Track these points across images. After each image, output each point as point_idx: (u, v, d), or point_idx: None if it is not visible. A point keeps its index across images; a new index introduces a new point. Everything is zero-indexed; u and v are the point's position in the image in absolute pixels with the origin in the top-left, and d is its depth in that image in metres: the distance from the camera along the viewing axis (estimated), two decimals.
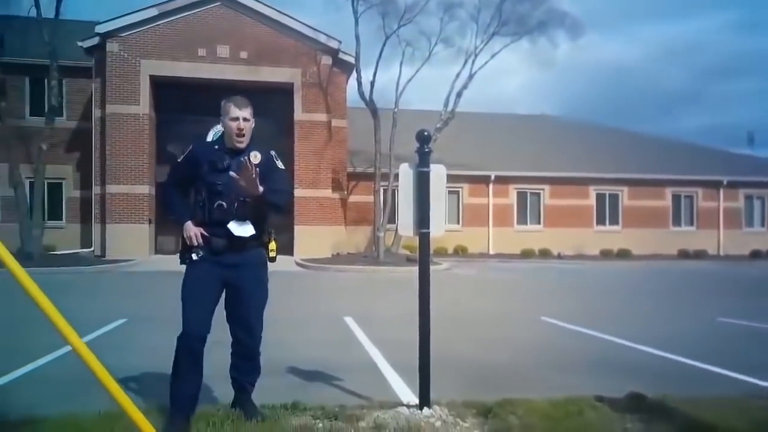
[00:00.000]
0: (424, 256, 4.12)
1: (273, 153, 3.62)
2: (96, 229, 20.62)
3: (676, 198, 27.25)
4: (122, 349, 6.12)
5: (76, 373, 4.80)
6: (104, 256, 19.56)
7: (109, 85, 19.99)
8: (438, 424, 3.74)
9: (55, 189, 21.89)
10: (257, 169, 3.31)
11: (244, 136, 3.45)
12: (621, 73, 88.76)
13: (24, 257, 15.78)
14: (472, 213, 25.27)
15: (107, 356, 2.08)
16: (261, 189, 3.27)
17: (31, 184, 18.48)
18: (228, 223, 3.37)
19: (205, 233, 3.37)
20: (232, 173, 3.22)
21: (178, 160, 3.56)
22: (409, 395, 4.52)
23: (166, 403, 3.83)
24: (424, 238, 4.07)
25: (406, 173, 4.10)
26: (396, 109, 20.53)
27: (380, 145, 20.06)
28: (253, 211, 3.41)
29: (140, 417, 2.13)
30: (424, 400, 3.97)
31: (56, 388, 4.78)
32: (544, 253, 24.28)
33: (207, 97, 21.89)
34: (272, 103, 19.64)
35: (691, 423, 3.83)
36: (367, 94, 20.27)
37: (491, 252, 24.94)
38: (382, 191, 20.43)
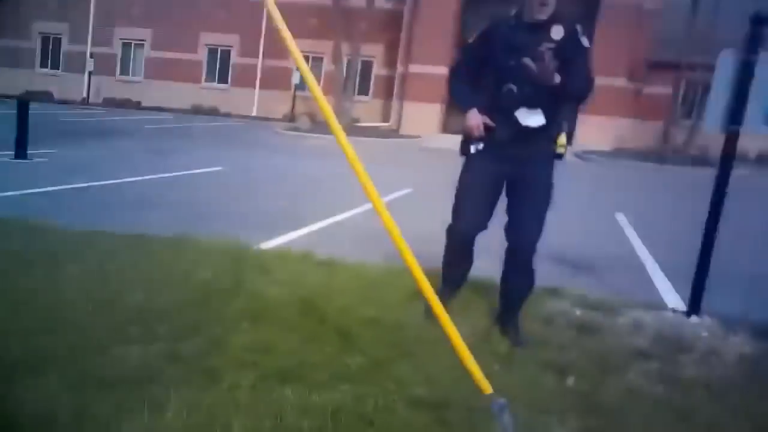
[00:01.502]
0: (728, 156, 3.76)
1: (579, 27, 2.99)
2: (395, 105, 22.37)
3: None
4: (408, 213, 6.85)
5: (370, 228, 5.60)
6: (399, 130, 21.24)
7: None
8: (704, 334, 3.56)
9: (366, 66, 23.93)
10: (556, 47, 2.85)
11: (546, 4, 2.85)
12: None
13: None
14: None
15: (395, 218, 2.40)
16: (558, 78, 2.82)
17: (349, 62, 20.44)
18: (516, 110, 2.96)
19: (489, 122, 3.00)
20: (525, 60, 2.78)
21: (470, 40, 3.18)
22: (677, 302, 4.31)
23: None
24: (732, 138, 3.68)
25: (727, 59, 3.68)
26: None
27: (694, 30, 17.68)
28: (547, 99, 2.94)
29: (419, 272, 2.40)
30: (694, 307, 3.77)
31: (352, 238, 5.63)
32: None
33: None
34: None
35: None
36: None
37: None
38: (684, 83, 18.28)
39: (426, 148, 17.82)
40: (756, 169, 17.96)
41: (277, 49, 22.98)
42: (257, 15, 23.35)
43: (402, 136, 20.00)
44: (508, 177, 3.06)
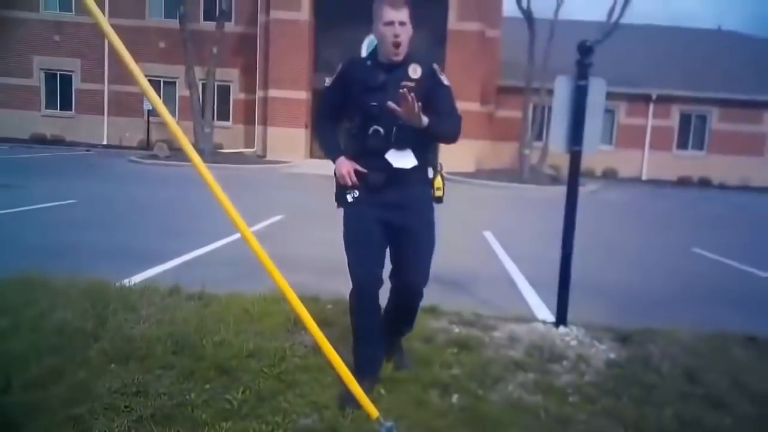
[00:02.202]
0: (574, 174, 4.03)
1: (436, 67, 2.93)
2: (258, 130, 22.09)
3: None
4: (281, 241, 6.72)
5: (240, 258, 5.40)
6: (265, 157, 20.95)
7: None
8: (573, 342, 3.78)
9: (224, 91, 23.38)
10: (417, 86, 2.75)
11: (401, 44, 2.78)
12: None
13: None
14: (627, 134, 23.65)
15: (267, 247, 2.33)
16: (425, 119, 2.65)
17: (203, 86, 19.89)
18: (386, 152, 2.82)
19: (359, 168, 2.84)
20: (389, 104, 2.61)
21: (327, 85, 3.04)
22: (545, 314, 4.57)
23: (320, 289, 4.22)
24: (576, 156, 3.97)
25: (562, 85, 3.97)
26: (555, 19, 19.35)
27: (535, 58, 19.16)
28: (416, 139, 2.80)
29: (296, 301, 2.37)
30: (561, 318, 4.01)
31: (225, 269, 5.40)
32: (704, 183, 22.47)
33: (364, 4, 22.20)
34: (425, 10, 19.29)
35: None
36: (525, 3, 19.26)
37: (644, 177, 23.47)
38: (531, 107, 19.70)
39: (294, 173, 17.71)
40: (603, 184, 19.75)
41: (124, 73, 21.92)
42: (99, 38, 22.05)
43: (269, 162, 19.73)
44: (389, 222, 2.88)
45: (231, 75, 23.32)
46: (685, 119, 24.01)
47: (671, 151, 23.92)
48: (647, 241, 9.27)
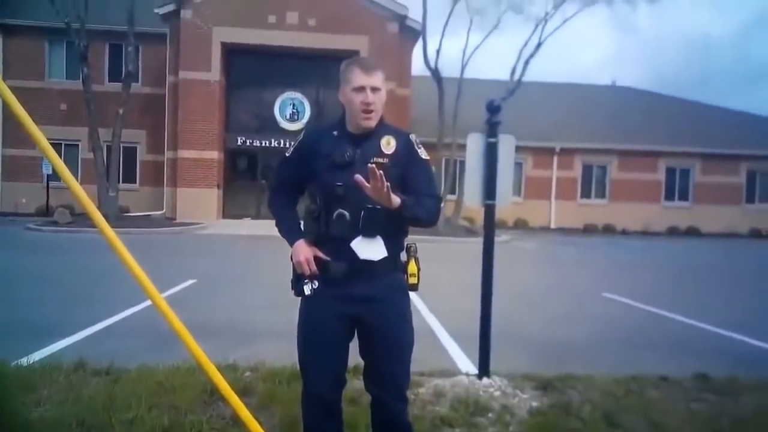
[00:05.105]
0: (489, 227, 4.13)
1: (413, 138, 2.58)
2: (167, 192, 21.49)
3: (751, 174, 25.96)
4: (194, 306, 6.44)
5: (151, 327, 5.13)
6: (175, 219, 20.34)
7: (183, 51, 20.52)
8: (497, 393, 3.80)
9: (130, 152, 22.69)
10: (390, 162, 2.43)
11: (372, 112, 2.42)
12: (708, 43, 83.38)
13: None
14: (535, 185, 24.84)
15: (179, 313, 2.21)
16: (397, 200, 2.31)
17: (108, 148, 19.24)
18: (352, 240, 2.40)
19: (321, 255, 2.44)
20: (357, 177, 2.25)
21: (286, 155, 2.60)
22: (468, 365, 4.59)
23: (238, 356, 4.06)
24: (490, 210, 4.08)
25: (474, 142, 4.10)
26: (461, 78, 20.26)
27: (444, 114, 19.90)
28: (387, 224, 2.40)
29: (214, 370, 2.26)
30: (484, 370, 4.03)
31: (134, 340, 5.10)
32: (608, 229, 23.75)
33: (275, 65, 22.62)
34: (336, 71, 19.72)
35: (759, 406, 3.74)
36: (432, 63, 20.09)
37: (553, 226, 24.54)
38: (443, 162, 20.31)
39: (206, 234, 17.24)
40: (515, 234, 20.40)
41: (18, 137, 20.98)
42: None
43: (178, 224, 19.11)
44: (355, 317, 2.46)
45: (137, 136, 22.68)
46: (587, 170, 25.48)
47: (576, 200, 25.19)
48: (560, 287, 9.59)
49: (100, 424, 3.04)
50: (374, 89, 2.42)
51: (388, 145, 2.47)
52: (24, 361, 4.15)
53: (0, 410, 3.08)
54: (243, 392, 3.34)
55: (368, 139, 2.45)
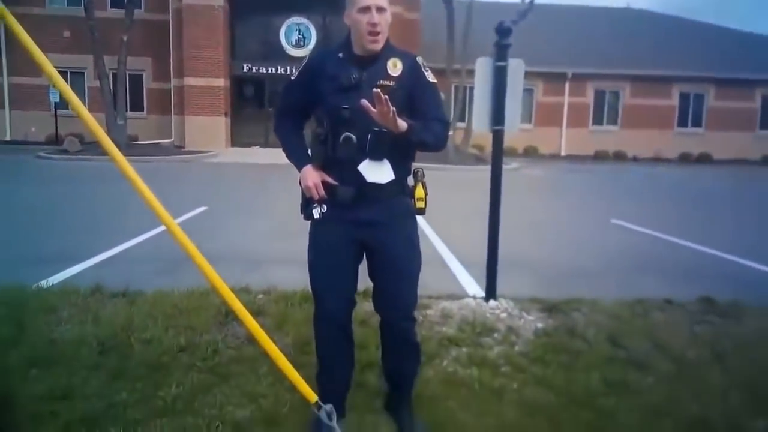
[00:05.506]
0: (497, 152, 4.11)
1: (420, 60, 2.52)
2: (175, 120, 21.38)
3: (766, 100, 25.39)
4: (207, 233, 6.55)
5: (163, 254, 5.23)
6: (184, 147, 20.34)
7: None
8: (503, 315, 3.88)
9: (136, 80, 22.45)
10: (396, 84, 2.39)
11: (378, 33, 2.36)
12: None
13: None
14: (546, 112, 24.49)
15: (193, 239, 2.24)
16: (404, 124, 2.28)
17: (114, 76, 19.04)
18: (359, 163, 2.41)
19: (328, 179, 2.44)
20: (362, 102, 2.22)
21: (292, 78, 2.57)
22: (475, 289, 4.68)
23: (250, 280, 4.15)
24: (498, 135, 4.05)
25: (483, 67, 4.03)
26: (472, 0, 19.62)
27: (454, 40, 19.40)
28: (394, 147, 2.40)
29: (228, 292, 2.30)
30: (490, 293, 4.10)
31: (148, 266, 5.22)
32: (619, 156, 23.57)
33: None
34: None
35: (762, 329, 3.82)
36: None
37: (563, 153, 24.36)
38: (453, 88, 19.97)
39: (215, 163, 17.27)
40: (525, 162, 20.30)
41: (24, 65, 20.72)
42: None
43: (188, 153, 19.13)
44: (363, 241, 2.49)
45: (143, 64, 22.40)
46: (599, 96, 25.01)
47: (587, 127, 24.88)
48: (569, 215, 9.63)
49: (119, 343, 3.15)
50: (380, 9, 2.34)
51: (395, 67, 2.42)
52: (44, 283, 4.27)
53: (24, 328, 3.21)
54: (256, 314, 3.43)
55: (374, 61, 2.41)
